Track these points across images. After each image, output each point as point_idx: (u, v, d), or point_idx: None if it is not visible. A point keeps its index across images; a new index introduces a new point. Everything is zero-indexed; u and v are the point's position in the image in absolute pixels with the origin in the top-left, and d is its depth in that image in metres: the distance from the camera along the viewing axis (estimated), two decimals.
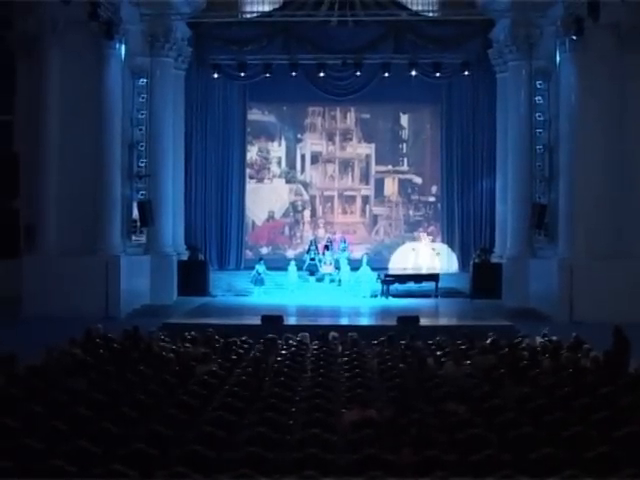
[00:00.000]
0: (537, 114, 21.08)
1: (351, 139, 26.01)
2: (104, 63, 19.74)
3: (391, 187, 25.95)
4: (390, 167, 25.91)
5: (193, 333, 13.53)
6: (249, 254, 25.49)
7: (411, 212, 25.88)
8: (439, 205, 25.57)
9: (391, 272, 23.44)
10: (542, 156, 21.00)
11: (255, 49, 22.76)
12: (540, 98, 21.05)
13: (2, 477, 6.01)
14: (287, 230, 26.05)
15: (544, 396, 8.89)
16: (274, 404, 8.47)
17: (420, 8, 23.66)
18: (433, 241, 25.20)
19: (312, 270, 23.47)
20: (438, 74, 22.98)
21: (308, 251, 23.90)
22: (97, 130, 19.66)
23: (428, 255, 24.58)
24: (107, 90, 19.75)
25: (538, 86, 21.06)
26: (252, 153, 25.88)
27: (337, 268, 23.36)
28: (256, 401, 8.86)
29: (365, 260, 23.26)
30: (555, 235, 20.20)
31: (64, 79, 19.75)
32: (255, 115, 25.91)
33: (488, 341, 12.47)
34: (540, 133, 21.06)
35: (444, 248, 24.77)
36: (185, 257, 23.01)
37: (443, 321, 18.52)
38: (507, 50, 21.64)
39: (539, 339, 13.19)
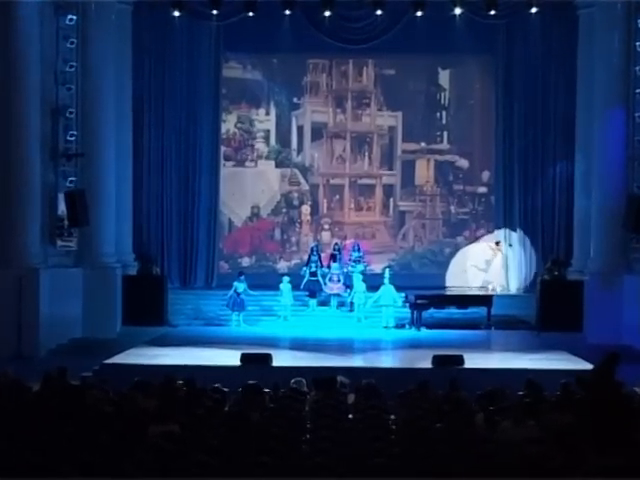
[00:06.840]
0: (638, 67, 21.05)
1: (369, 105, 26.11)
2: None
3: (425, 173, 26.03)
4: (423, 145, 26.00)
5: (144, 379, 13.53)
6: (224, 267, 25.57)
7: (453, 208, 25.95)
8: (492, 198, 25.65)
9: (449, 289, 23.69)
10: None
11: None
12: None
13: None
14: (278, 233, 26.12)
15: None
16: None
17: None
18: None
19: (313, 289, 23.54)
20: (493, 12, 22.96)
21: (308, 263, 23.97)
22: (5, 89, 19.58)
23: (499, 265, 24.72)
24: (17, 32, 19.63)
25: None
26: (229, 124, 25.97)
27: (348, 287, 23.39)
28: (233, 475, 8.83)
29: (388, 276, 23.28)
30: None
31: None
32: (233, 70, 26.00)
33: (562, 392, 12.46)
34: None
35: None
36: (134, 271, 23.13)
37: (498, 363, 18.49)
38: None
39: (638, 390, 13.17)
